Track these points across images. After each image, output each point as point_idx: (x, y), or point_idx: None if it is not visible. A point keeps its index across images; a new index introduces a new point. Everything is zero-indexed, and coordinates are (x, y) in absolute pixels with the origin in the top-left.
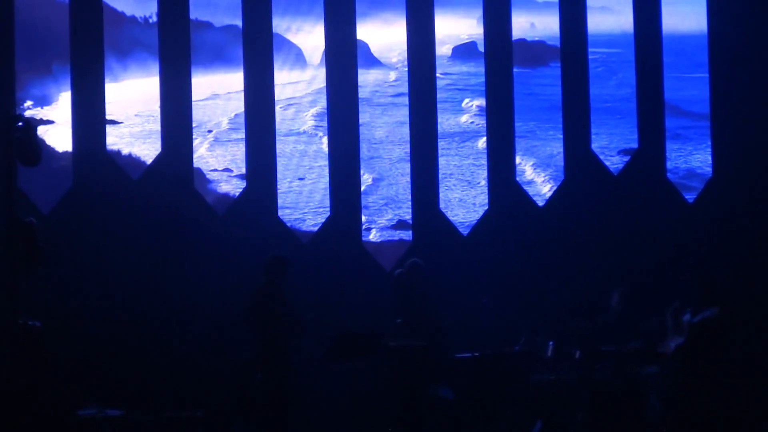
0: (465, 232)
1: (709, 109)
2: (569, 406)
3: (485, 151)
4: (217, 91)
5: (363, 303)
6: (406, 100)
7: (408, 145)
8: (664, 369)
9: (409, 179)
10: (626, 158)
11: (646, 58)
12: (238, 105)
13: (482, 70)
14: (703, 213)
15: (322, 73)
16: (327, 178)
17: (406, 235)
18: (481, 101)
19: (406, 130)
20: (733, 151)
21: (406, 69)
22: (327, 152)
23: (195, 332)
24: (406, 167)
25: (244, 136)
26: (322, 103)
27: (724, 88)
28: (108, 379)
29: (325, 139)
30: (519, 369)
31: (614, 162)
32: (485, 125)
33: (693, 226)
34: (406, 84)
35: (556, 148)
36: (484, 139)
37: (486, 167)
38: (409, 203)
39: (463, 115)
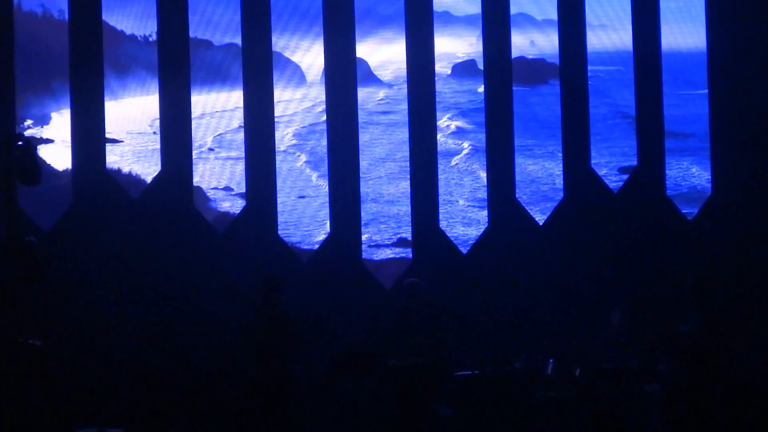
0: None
1: (707, 127)
2: (569, 423)
3: (458, 169)
4: (207, 110)
5: (363, 321)
6: (394, 118)
7: (395, 163)
8: (665, 386)
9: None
10: (625, 176)
11: (645, 76)
12: (227, 123)
13: (469, 88)
14: (702, 230)
15: (313, 91)
16: (309, 197)
17: (406, 253)
18: (460, 121)
19: (393, 149)
20: (733, 169)
21: (398, 86)
22: (303, 170)
23: (195, 350)
24: (393, 185)
25: (226, 155)
26: (303, 122)
27: (724, 106)
28: (108, 398)
29: (303, 157)
30: (519, 386)
31: (613, 180)
32: (461, 144)
33: (692, 244)
34: (395, 102)
35: (530, 166)
36: (458, 157)
37: (486, 185)
38: (403, 221)
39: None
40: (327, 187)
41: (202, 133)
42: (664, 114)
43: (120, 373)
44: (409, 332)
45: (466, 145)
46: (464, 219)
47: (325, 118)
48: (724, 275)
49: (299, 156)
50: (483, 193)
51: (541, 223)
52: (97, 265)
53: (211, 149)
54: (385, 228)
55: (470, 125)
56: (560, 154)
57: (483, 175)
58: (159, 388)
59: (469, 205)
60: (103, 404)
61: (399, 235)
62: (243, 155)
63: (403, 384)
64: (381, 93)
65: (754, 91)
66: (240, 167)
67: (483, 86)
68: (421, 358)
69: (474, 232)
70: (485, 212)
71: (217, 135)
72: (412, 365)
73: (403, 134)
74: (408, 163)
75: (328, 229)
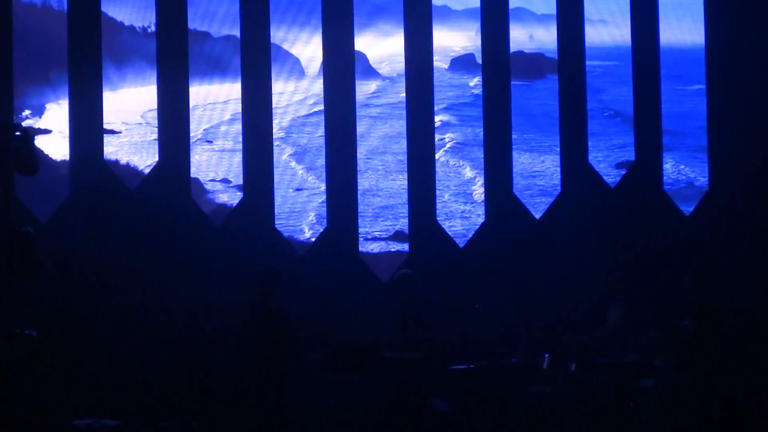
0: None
1: (698, 123)
2: (565, 418)
3: (440, 163)
4: (200, 102)
5: (360, 314)
6: (387, 111)
7: (391, 156)
8: (660, 382)
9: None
10: (623, 171)
11: (643, 71)
12: (218, 115)
13: (461, 83)
14: (699, 225)
15: (304, 84)
16: (293, 190)
17: (402, 246)
18: (446, 116)
19: (384, 142)
20: (730, 164)
21: (390, 80)
22: (288, 163)
23: (191, 342)
24: (387, 179)
25: (212, 147)
26: (290, 115)
27: (721, 101)
28: (104, 389)
29: (288, 150)
30: (515, 381)
31: (611, 174)
32: (443, 139)
33: (690, 239)
34: (387, 96)
35: (528, 160)
36: (439, 153)
37: (483, 179)
38: (397, 213)
39: None
40: (312, 180)
41: (195, 125)
42: (661, 110)
43: (116, 365)
44: (404, 325)
45: (447, 139)
46: (450, 213)
47: (312, 111)
48: (721, 270)
49: (284, 149)
50: (467, 187)
51: (538, 218)
52: (93, 256)
53: (209, 141)
54: (381, 220)
55: (455, 120)
56: (558, 149)
57: (467, 169)
58: (155, 380)
59: (453, 200)
60: (99, 396)
61: (395, 228)
62: (233, 147)
63: (399, 377)
64: (373, 86)
65: (751, 87)
66: (235, 159)
67: (479, 81)
68: (417, 351)
69: (460, 225)
70: (469, 206)
71: (206, 128)
72: (408, 358)
73: (394, 127)
74: (405, 157)
75: (313, 220)
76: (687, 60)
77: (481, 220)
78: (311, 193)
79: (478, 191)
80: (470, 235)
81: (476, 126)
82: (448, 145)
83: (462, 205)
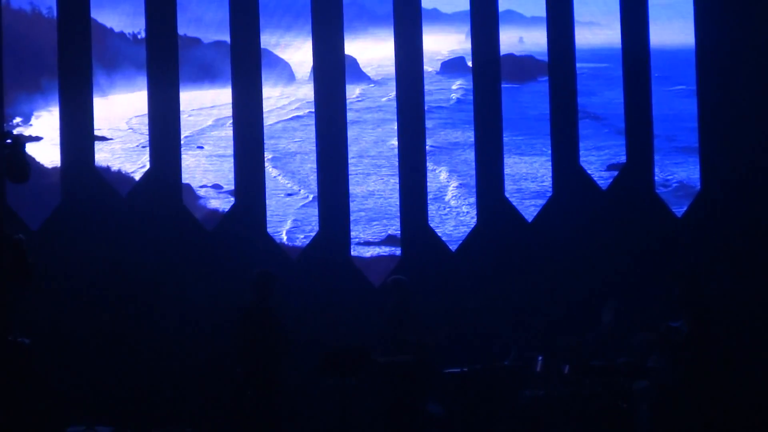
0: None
1: (695, 123)
2: (559, 420)
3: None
4: (190, 108)
5: (352, 318)
6: (368, 116)
7: (372, 160)
8: (653, 383)
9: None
10: (614, 173)
11: (633, 73)
12: (209, 120)
13: (445, 86)
14: (691, 227)
15: (290, 89)
16: (285, 195)
17: (394, 250)
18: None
19: (367, 147)
20: (721, 165)
21: (374, 84)
22: (266, 168)
23: (184, 348)
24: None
25: (203, 153)
26: (268, 120)
27: (712, 102)
28: (97, 396)
29: (268, 154)
30: (508, 384)
31: (603, 177)
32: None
33: (681, 241)
34: (370, 101)
35: (518, 163)
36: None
37: (474, 183)
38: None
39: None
40: (290, 185)
41: (186, 131)
42: (653, 111)
43: (109, 372)
44: (397, 330)
45: None
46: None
47: (293, 115)
48: (713, 271)
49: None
50: (443, 192)
51: (529, 221)
52: (86, 263)
53: (200, 147)
54: (371, 225)
55: (431, 125)
56: (549, 151)
57: (443, 174)
58: (148, 386)
59: (437, 205)
60: (92, 402)
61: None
62: (224, 152)
63: (392, 381)
64: (357, 90)
65: (742, 87)
66: (226, 164)
67: (460, 84)
68: (410, 355)
69: (442, 230)
70: (446, 210)
71: (197, 133)
72: (401, 363)
73: (385, 131)
74: (395, 160)
75: (290, 226)
76: (677, 61)
77: (455, 224)
78: (293, 199)
79: (450, 195)
80: (457, 239)
81: (453, 129)
82: None
83: (439, 209)
